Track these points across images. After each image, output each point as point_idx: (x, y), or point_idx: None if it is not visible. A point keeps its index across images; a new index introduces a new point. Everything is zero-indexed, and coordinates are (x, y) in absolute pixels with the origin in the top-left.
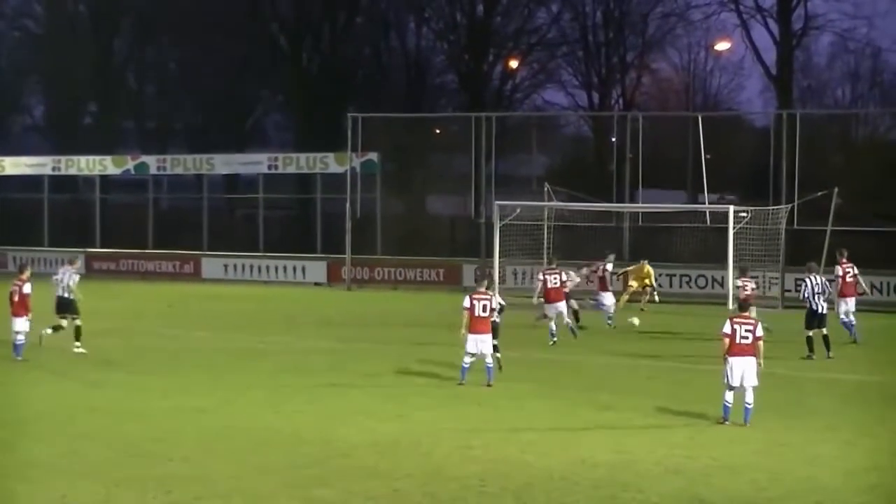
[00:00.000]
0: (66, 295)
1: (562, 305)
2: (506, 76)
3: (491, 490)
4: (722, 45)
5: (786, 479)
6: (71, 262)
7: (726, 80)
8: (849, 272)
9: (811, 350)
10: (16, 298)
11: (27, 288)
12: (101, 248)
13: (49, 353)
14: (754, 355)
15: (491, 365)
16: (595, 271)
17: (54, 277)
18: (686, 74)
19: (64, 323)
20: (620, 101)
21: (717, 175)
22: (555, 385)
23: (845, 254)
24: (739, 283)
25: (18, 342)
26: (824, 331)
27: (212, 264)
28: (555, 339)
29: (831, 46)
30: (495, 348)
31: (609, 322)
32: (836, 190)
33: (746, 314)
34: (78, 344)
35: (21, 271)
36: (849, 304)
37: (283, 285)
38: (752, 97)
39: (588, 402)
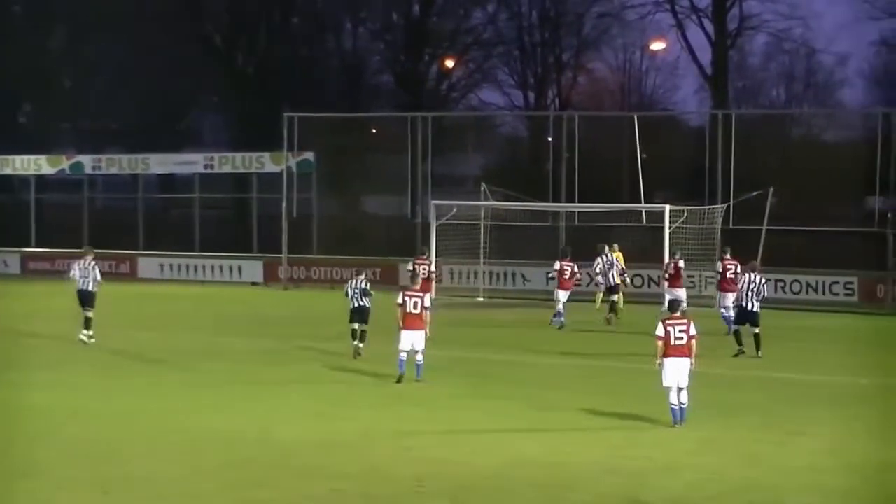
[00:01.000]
0: (88, 288)
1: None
2: (442, 76)
3: (428, 490)
4: (657, 45)
5: (722, 477)
6: (85, 256)
7: (661, 80)
8: (730, 269)
9: (739, 343)
10: None
11: None
12: (37, 248)
13: None
14: (689, 356)
15: (421, 362)
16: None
17: (71, 273)
18: (622, 74)
19: (90, 314)
20: (556, 100)
21: (653, 174)
22: (494, 385)
23: (729, 251)
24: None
25: None
26: (756, 330)
27: (148, 264)
28: None
29: (766, 46)
30: (363, 334)
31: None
32: (771, 189)
33: (678, 315)
34: (89, 333)
35: None
36: (728, 300)
37: (219, 285)
38: (688, 97)
39: (526, 401)
